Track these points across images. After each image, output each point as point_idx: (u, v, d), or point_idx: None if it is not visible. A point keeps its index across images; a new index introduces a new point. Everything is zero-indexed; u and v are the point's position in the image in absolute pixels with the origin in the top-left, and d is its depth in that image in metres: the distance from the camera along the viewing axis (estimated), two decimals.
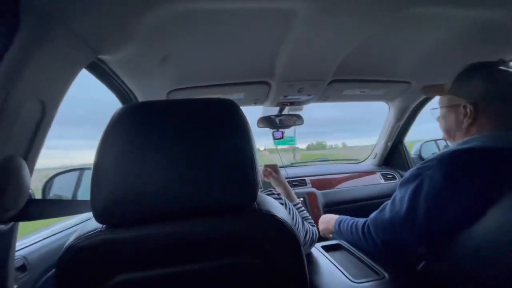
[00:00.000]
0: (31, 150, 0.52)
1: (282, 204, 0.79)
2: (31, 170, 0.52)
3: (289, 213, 0.77)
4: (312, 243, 0.89)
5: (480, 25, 0.82)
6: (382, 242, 0.69)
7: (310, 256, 0.89)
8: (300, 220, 0.83)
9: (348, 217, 0.87)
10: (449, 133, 0.74)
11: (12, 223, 0.49)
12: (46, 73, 0.50)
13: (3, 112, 0.44)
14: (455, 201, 0.58)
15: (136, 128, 0.43)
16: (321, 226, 1.02)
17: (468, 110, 0.67)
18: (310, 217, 0.99)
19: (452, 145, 0.73)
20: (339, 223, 0.88)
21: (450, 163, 0.61)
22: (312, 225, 0.94)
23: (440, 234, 0.60)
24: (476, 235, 0.55)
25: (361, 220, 0.78)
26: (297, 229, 0.78)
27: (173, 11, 0.63)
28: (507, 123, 0.63)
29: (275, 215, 0.45)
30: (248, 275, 0.45)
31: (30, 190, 0.51)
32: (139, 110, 0.45)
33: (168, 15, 0.64)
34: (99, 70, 0.78)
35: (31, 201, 0.50)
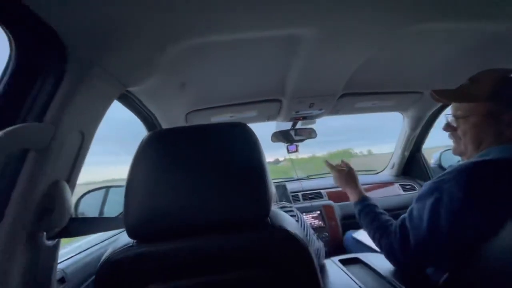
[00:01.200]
0: (72, 174, 0.59)
1: (294, 216, 0.81)
2: (72, 191, 0.60)
3: (301, 226, 0.80)
4: (320, 257, 0.89)
5: (487, 36, 0.82)
6: (408, 259, 0.67)
7: (327, 269, 0.89)
8: (312, 233, 0.85)
9: (372, 211, 0.81)
10: (478, 144, 0.68)
11: (57, 239, 0.57)
12: (85, 107, 0.59)
13: (52, 143, 0.52)
14: (476, 215, 0.57)
15: (161, 152, 0.49)
16: (340, 180, 0.97)
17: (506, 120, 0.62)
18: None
19: (462, 159, 0.72)
20: (360, 210, 0.85)
21: (468, 177, 0.59)
22: (317, 239, 0.93)
23: (464, 248, 0.59)
24: (499, 249, 0.55)
25: (387, 232, 0.73)
26: (310, 242, 0.80)
27: (190, 45, 0.70)
28: None
29: (287, 230, 0.49)
30: (263, 287, 0.48)
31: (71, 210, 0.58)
32: (163, 136, 0.52)
33: (186, 48, 0.71)
34: (127, 99, 0.87)
35: (72, 219, 0.57)
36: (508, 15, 0.71)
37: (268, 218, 0.51)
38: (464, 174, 0.60)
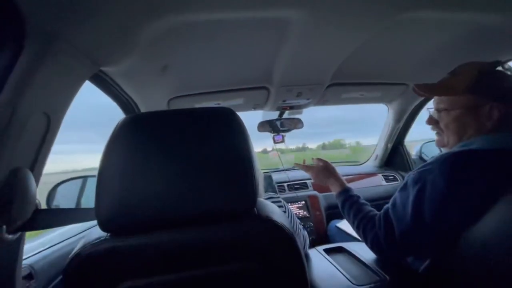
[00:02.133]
0: (37, 161, 0.53)
1: (281, 207, 0.80)
2: (37, 181, 0.54)
3: (288, 217, 0.78)
4: (305, 246, 0.89)
5: (474, 28, 0.83)
6: (393, 249, 0.67)
7: (311, 258, 0.89)
8: (298, 222, 0.84)
9: (354, 204, 0.80)
10: (460, 136, 0.68)
11: (19, 233, 0.51)
12: (51, 87, 0.52)
13: (11, 126, 0.45)
14: (459, 204, 0.58)
15: (137, 138, 0.44)
16: (317, 178, 0.96)
17: (495, 111, 0.63)
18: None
19: (444, 149, 0.73)
20: (343, 202, 0.83)
21: (451, 166, 0.60)
22: (304, 228, 0.92)
23: (446, 235, 0.60)
24: (481, 234, 0.56)
25: (371, 222, 0.73)
26: (296, 233, 0.79)
27: (172, 23, 0.65)
28: (508, 124, 0.63)
29: (274, 220, 0.46)
30: (249, 280, 0.46)
31: (37, 201, 0.52)
32: (140, 121, 0.47)
33: (167, 26, 0.66)
34: (101, 81, 0.80)
35: (38, 211, 0.51)
36: (494, 7, 0.72)
37: (255, 209, 0.48)
38: (446, 163, 0.61)
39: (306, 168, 1.02)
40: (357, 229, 0.77)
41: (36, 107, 0.50)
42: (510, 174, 0.56)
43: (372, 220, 0.73)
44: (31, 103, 0.48)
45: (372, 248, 0.73)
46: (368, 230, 0.73)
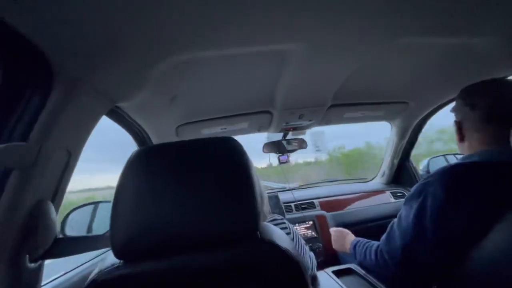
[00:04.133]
0: (57, 193, 0.58)
1: (286, 228, 0.81)
2: (57, 211, 0.58)
3: (293, 239, 0.79)
4: (313, 268, 0.89)
5: (468, 50, 0.87)
6: (396, 265, 0.69)
7: (320, 281, 0.88)
8: (303, 244, 0.84)
9: (364, 240, 0.87)
10: (459, 146, 0.77)
11: (40, 261, 0.55)
12: (72, 125, 0.58)
13: (37, 162, 0.51)
14: (457, 217, 0.59)
15: (148, 169, 0.48)
16: (335, 244, 1.02)
17: (457, 127, 0.73)
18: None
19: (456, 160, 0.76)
20: (355, 245, 0.88)
21: (450, 179, 0.62)
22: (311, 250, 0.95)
23: (450, 251, 0.60)
24: (485, 252, 0.55)
25: (375, 245, 0.78)
26: (302, 255, 0.80)
27: (180, 60, 0.71)
28: (495, 142, 0.65)
29: (277, 244, 0.48)
30: None
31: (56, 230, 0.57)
32: (151, 153, 0.51)
33: (175, 63, 0.72)
34: (116, 115, 0.86)
35: (57, 240, 0.55)
36: (483, 31, 0.75)
37: (258, 233, 0.50)
38: (446, 175, 0.63)
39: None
40: (365, 258, 0.80)
41: (60, 144, 0.55)
42: (509, 187, 0.57)
43: (372, 242, 0.78)
44: (56, 141, 0.54)
45: (378, 267, 0.73)
46: (371, 251, 0.76)
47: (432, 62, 0.98)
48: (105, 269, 0.46)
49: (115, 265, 0.46)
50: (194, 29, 0.59)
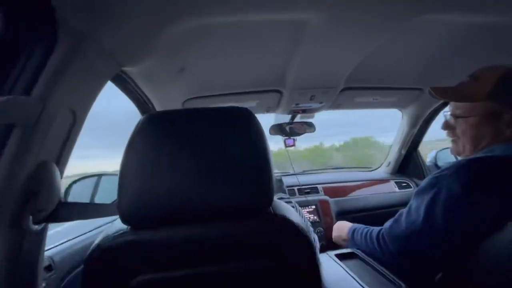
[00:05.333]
0: (62, 155, 0.56)
1: (293, 208, 0.80)
2: (62, 174, 0.56)
3: (302, 218, 0.78)
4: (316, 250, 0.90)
5: (490, 30, 0.81)
6: (398, 252, 0.68)
7: (323, 263, 0.88)
8: (309, 225, 0.84)
9: (362, 226, 0.85)
10: (476, 144, 0.67)
11: (43, 224, 0.53)
12: (78, 84, 0.55)
13: (40, 121, 0.48)
14: (474, 212, 0.57)
15: (158, 135, 0.46)
16: (334, 233, 1.01)
17: (496, 116, 0.62)
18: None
19: (461, 157, 0.71)
20: (353, 231, 0.87)
21: (469, 172, 0.59)
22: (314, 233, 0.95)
23: (459, 245, 0.59)
24: (498, 247, 0.54)
25: (376, 229, 0.77)
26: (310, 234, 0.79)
27: (190, 26, 0.67)
28: None
29: (292, 220, 0.47)
30: (264, 278, 0.46)
31: (60, 193, 0.55)
32: (160, 119, 0.48)
33: (186, 29, 0.68)
34: (121, 81, 0.83)
35: (61, 203, 0.54)
36: (509, 9, 0.70)
37: (271, 208, 0.49)
38: (464, 169, 0.60)
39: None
40: (365, 243, 0.79)
41: (64, 104, 0.52)
42: None
43: (374, 230, 0.76)
44: (60, 100, 0.51)
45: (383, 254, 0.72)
46: (374, 238, 0.75)
47: (452, 44, 0.93)
48: (111, 234, 0.44)
49: (122, 231, 0.44)
50: None
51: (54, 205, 0.52)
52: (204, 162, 0.45)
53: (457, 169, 0.61)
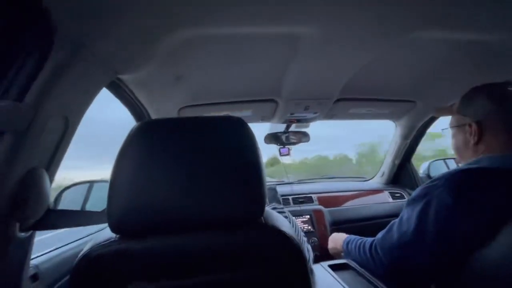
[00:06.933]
0: (52, 162, 0.55)
1: (286, 218, 0.79)
2: (52, 181, 0.56)
3: (294, 229, 0.78)
4: (310, 260, 0.89)
5: (478, 47, 0.84)
6: (390, 264, 0.68)
7: (316, 274, 0.87)
8: (302, 235, 0.83)
9: (357, 237, 0.85)
10: (459, 152, 0.74)
11: (31, 231, 0.52)
12: (71, 91, 0.55)
13: (31, 127, 0.48)
14: (464, 222, 0.57)
15: (150, 144, 0.46)
16: (330, 245, 1.01)
17: (473, 129, 0.67)
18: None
19: (461, 165, 0.74)
20: (347, 243, 0.87)
21: (458, 183, 0.60)
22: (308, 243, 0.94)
23: (451, 255, 0.59)
24: (489, 257, 0.54)
25: (369, 240, 0.77)
26: (302, 245, 0.78)
27: (187, 36, 0.68)
28: None
29: (282, 230, 0.46)
30: None
31: (49, 201, 0.54)
32: (153, 127, 0.48)
33: (183, 38, 0.69)
34: (117, 88, 0.83)
35: (50, 211, 0.53)
36: (498, 27, 0.73)
37: (262, 218, 0.48)
38: (454, 180, 0.61)
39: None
40: (359, 255, 0.79)
41: (57, 110, 0.52)
42: None
43: (367, 241, 0.77)
44: (53, 106, 0.51)
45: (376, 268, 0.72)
46: (365, 246, 0.76)
47: (444, 59, 0.96)
48: (100, 243, 0.44)
49: (111, 240, 0.44)
50: (204, 2, 0.55)
51: (42, 212, 0.51)
52: (195, 171, 0.45)
53: (447, 179, 0.62)
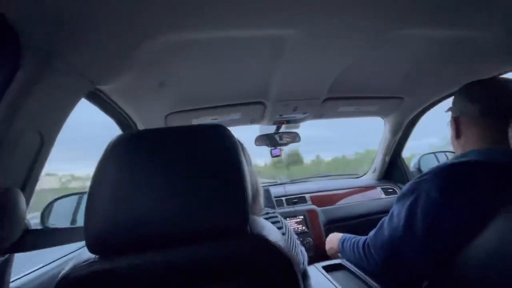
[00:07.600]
0: (28, 181, 0.53)
1: (278, 222, 0.78)
2: (28, 201, 0.53)
3: (285, 233, 0.77)
4: (304, 263, 0.88)
5: (464, 43, 0.85)
6: (382, 261, 0.68)
7: (310, 276, 0.87)
8: (295, 238, 0.83)
9: (352, 236, 0.86)
10: (452, 146, 0.76)
11: (7, 254, 0.49)
12: (45, 105, 0.52)
13: (3, 145, 0.45)
14: (452, 215, 0.58)
15: (129, 157, 0.44)
16: (327, 246, 1.01)
17: (452, 124, 0.72)
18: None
19: (449, 159, 0.75)
20: (343, 242, 0.87)
21: (445, 177, 0.61)
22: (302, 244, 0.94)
23: (442, 250, 0.59)
24: (479, 252, 0.55)
25: (362, 239, 0.77)
26: (294, 251, 0.77)
27: (168, 41, 0.66)
28: (493, 138, 0.64)
29: (268, 239, 0.45)
30: None
31: (26, 221, 0.51)
32: (133, 139, 0.47)
33: (164, 44, 0.67)
34: (97, 98, 0.80)
35: (27, 231, 0.50)
36: (480, 24, 0.74)
37: (248, 227, 0.47)
38: (441, 174, 0.62)
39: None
40: (353, 254, 0.79)
41: (30, 126, 0.50)
42: (505, 188, 0.56)
43: (360, 239, 0.77)
44: (25, 122, 0.48)
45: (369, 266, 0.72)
46: (358, 245, 0.76)
47: (429, 56, 0.96)
48: (79, 264, 0.42)
49: (90, 261, 0.42)
50: (184, 7, 0.54)
51: (19, 234, 0.49)
52: (176, 183, 0.43)
53: (435, 173, 0.62)
